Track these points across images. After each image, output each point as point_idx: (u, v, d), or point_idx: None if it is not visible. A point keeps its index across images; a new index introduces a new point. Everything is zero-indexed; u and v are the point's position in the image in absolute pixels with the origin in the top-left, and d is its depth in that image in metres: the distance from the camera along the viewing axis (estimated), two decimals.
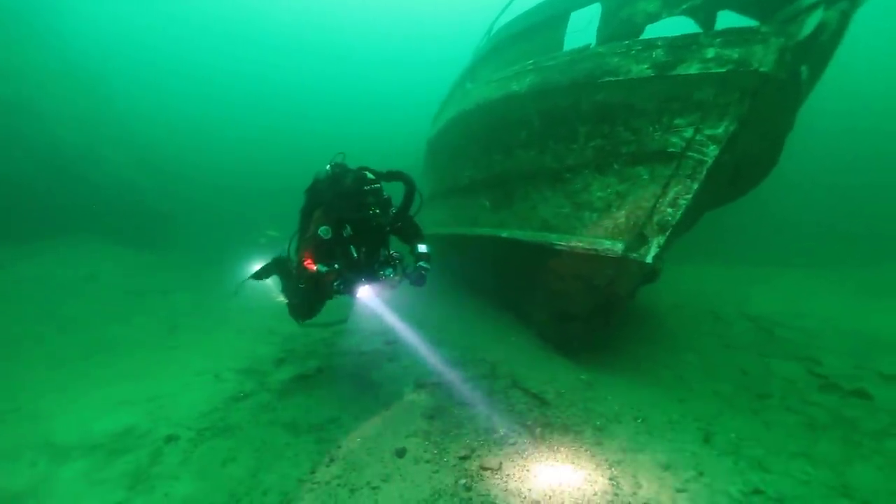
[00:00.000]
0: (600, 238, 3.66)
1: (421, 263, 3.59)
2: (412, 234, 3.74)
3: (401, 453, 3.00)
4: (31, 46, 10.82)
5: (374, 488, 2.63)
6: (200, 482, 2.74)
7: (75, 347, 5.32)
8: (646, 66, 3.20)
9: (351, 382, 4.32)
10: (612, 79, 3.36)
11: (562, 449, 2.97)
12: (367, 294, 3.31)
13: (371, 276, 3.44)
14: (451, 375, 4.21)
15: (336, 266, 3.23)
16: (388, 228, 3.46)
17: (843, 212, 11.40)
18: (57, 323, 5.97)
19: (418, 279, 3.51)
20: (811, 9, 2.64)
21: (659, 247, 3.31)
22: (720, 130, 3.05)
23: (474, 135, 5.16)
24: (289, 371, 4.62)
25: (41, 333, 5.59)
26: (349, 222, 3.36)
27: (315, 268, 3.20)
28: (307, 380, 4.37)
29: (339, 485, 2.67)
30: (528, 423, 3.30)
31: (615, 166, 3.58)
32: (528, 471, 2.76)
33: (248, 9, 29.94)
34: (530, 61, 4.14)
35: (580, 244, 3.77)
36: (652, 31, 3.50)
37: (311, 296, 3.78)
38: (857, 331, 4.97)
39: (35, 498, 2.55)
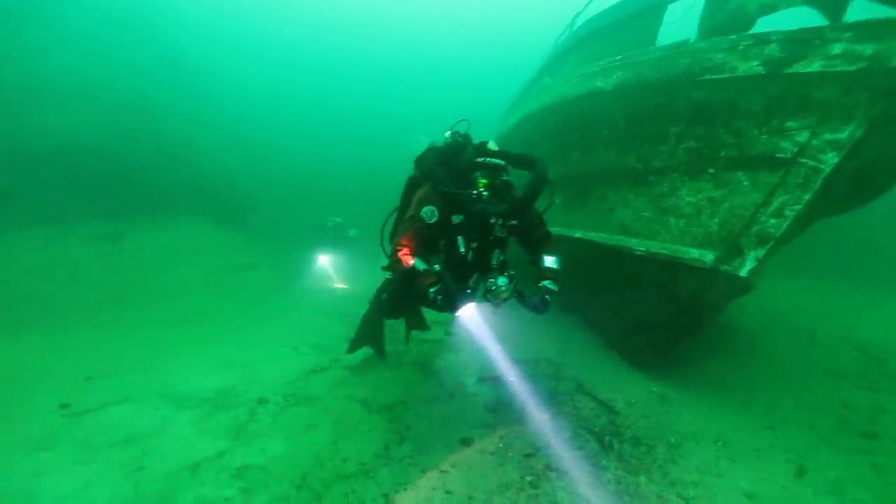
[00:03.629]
0: (687, 246, 3.46)
1: (545, 283, 2.67)
2: (538, 240, 2.85)
3: (467, 442, 3.11)
4: (149, 50, 12.54)
5: (443, 472, 2.76)
6: (289, 442, 3.05)
7: (182, 312, 6.13)
8: (756, 63, 2.93)
9: (415, 368, 4.51)
10: (714, 76, 3.12)
11: (632, 461, 2.89)
12: (470, 314, 2.54)
13: (476, 282, 2.68)
14: (514, 372, 4.23)
15: (437, 267, 2.48)
16: (493, 221, 2.52)
17: None
18: (167, 290, 6.91)
19: (539, 305, 2.60)
20: None
21: (756, 260, 3.05)
22: (844, 135, 2.72)
23: (551, 131, 5.07)
24: (359, 350, 4.95)
25: (156, 298, 6.51)
26: (457, 208, 2.56)
27: (412, 262, 2.45)
28: (376, 361, 4.65)
29: (410, 464, 2.84)
30: (596, 429, 3.25)
31: (710, 170, 3.34)
32: (595, 477, 2.73)
33: (338, 21, 32.11)
34: (618, 56, 3.97)
35: (663, 251, 3.58)
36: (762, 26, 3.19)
37: (401, 293, 3.11)
38: None
39: (161, 437, 3.02)
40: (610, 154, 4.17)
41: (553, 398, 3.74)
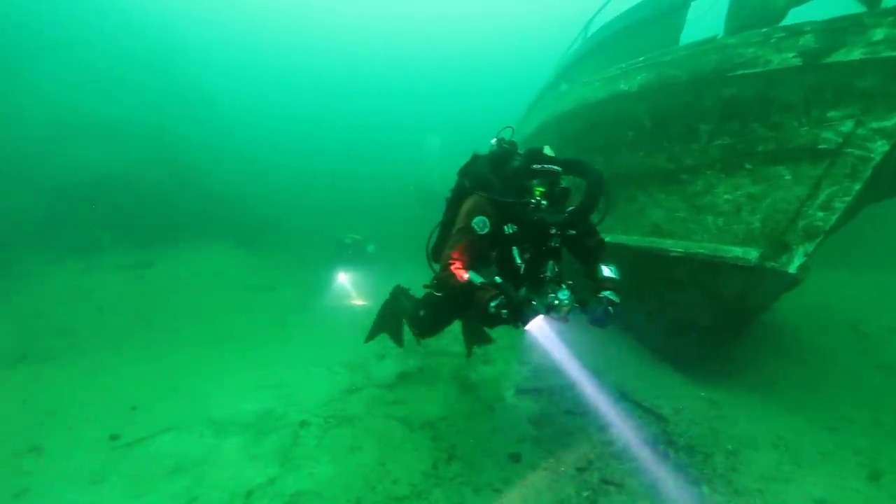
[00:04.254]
0: (728, 245, 3.37)
1: (606, 294, 2.46)
2: (593, 250, 2.70)
3: (516, 458, 3.04)
4: (164, 84, 13.11)
5: (496, 490, 2.70)
6: (336, 465, 3.02)
7: (211, 335, 6.16)
8: (791, 55, 2.88)
9: (451, 383, 4.45)
10: (746, 71, 3.07)
11: (690, 471, 2.79)
12: (539, 327, 2.32)
13: (535, 296, 2.45)
14: (552, 382, 4.14)
15: (497, 279, 2.34)
16: (553, 232, 2.39)
17: None
18: (195, 315, 6.98)
19: (602, 317, 2.38)
20: None
21: (806, 255, 2.96)
22: (891, 123, 2.64)
23: (572, 136, 5.04)
24: (391, 367, 4.90)
25: (185, 323, 6.57)
26: (512, 218, 2.42)
27: (467, 276, 2.28)
28: (410, 377, 4.60)
29: (462, 483, 2.78)
30: (648, 439, 3.15)
31: (747, 166, 3.27)
32: (655, 489, 2.64)
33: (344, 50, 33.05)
34: (641, 58, 3.94)
35: (702, 251, 3.50)
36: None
37: (446, 309, 2.90)
38: None
39: (210, 465, 3.01)
40: (636, 155, 4.12)
41: (597, 408, 3.65)
